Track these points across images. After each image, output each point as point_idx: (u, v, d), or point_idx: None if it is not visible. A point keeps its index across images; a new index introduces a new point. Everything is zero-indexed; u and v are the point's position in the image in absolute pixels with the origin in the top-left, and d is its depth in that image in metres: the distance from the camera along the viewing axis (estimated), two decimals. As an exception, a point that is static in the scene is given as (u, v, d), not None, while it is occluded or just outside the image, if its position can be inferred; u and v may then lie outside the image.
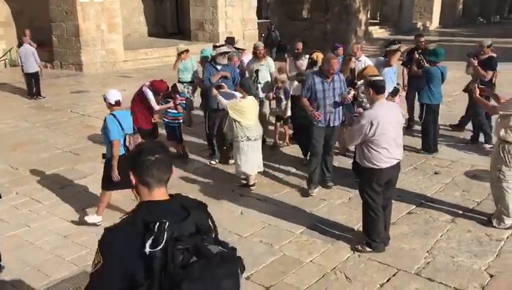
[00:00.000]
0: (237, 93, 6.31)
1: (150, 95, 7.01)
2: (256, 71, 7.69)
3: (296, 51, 8.04)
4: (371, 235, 4.63)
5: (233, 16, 19.01)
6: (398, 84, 7.40)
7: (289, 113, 7.61)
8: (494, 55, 7.94)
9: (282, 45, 17.60)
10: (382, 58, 7.32)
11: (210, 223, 2.00)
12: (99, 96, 12.08)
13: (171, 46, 17.41)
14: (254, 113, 6.18)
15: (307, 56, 7.67)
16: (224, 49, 7.32)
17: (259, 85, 7.68)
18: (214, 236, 1.97)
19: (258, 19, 20.68)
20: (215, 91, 6.44)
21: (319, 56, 7.01)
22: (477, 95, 5.65)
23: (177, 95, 7.23)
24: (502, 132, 4.94)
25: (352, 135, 4.49)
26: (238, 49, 8.80)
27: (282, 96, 7.65)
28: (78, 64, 15.64)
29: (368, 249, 4.62)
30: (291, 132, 7.96)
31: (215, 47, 7.54)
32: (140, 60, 16.97)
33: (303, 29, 22.78)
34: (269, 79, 7.77)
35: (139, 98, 7.13)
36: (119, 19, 16.40)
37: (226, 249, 1.93)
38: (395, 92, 6.21)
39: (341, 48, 8.22)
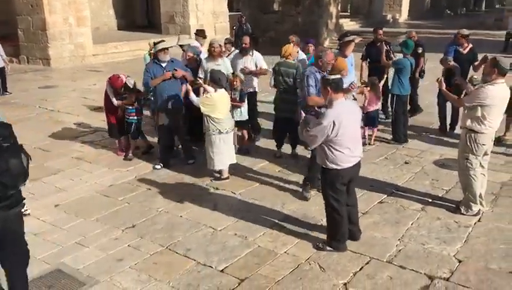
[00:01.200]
0: (209, 88, 6.24)
1: (109, 90, 6.98)
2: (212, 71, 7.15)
3: (243, 45, 7.50)
4: (335, 236, 4.59)
5: (204, 8, 18.87)
6: (375, 78, 7.49)
7: (246, 116, 7.21)
8: (471, 45, 8.13)
9: (254, 38, 17.56)
10: (336, 51, 7.41)
11: (9, 134, 3.51)
12: (68, 91, 11.89)
13: (141, 40, 17.17)
14: (225, 106, 6.16)
15: (255, 52, 7.49)
16: (164, 44, 6.70)
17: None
18: (12, 141, 3.52)
19: (229, 11, 20.58)
20: (188, 87, 6.30)
21: (289, 47, 7.01)
22: (444, 89, 5.75)
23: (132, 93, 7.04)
24: (469, 122, 5.07)
25: (313, 136, 4.33)
26: (181, 46, 8.33)
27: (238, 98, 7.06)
28: (45, 59, 15.27)
29: (328, 248, 4.59)
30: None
31: (155, 44, 6.87)
32: (110, 53, 16.68)
33: (274, 22, 22.80)
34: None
35: (106, 94, 7.11)
36: (87, 12, 16.06)
37: (12, 144, 3.49)
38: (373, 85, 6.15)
39: (311, 44, 8.19)
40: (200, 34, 9.16)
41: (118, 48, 16.94)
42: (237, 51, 7.88)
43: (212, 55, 7.27)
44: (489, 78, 5.00)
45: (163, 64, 6.59)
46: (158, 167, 6.74)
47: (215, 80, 6.10)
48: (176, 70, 6.51)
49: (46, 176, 6.58)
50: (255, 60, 7.46)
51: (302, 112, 4.77)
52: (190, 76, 6.69)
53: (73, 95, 11.52)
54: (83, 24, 15.78)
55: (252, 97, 7.66)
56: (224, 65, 7.23)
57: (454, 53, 7.93)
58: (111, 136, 7.45)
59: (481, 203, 5.28)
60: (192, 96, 6.26)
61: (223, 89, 6.16)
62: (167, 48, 6.65)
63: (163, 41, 6.84)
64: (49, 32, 14.96)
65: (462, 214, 5.26)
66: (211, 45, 7.32)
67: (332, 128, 4.21)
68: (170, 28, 19.09)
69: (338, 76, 4.47)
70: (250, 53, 7.45)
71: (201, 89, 6.74)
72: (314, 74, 5.64)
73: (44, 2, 14.63)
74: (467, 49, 7.94)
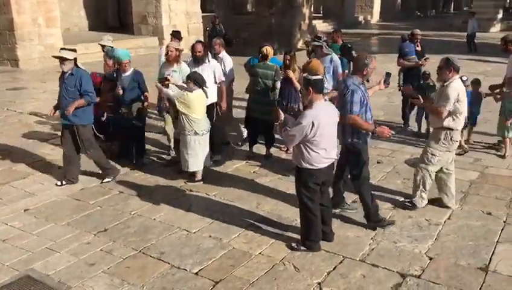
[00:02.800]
0: (178, 83, 6.16)
1: None
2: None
3: (195, 54, 6.70)
4: (309, 235, 4.61)
5: (177, 9, 18.75)
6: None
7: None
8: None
9: (227, 39, 17.54)
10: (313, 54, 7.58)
11: None
12: (38, 93, 11.62)
13: (112, 41, 16.90)
14: (202, 106, 6.10)
15: (212, 60, 6.92)
16: (62, 53, 5.96)
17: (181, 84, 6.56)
18: None
19: (203, 12, 20.49)
20: (158, 84, 6.15)
21: (268, 49, 7.00)
22: (422, 101, 5.71)
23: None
24: (446, 121, 5.19)
25: (292, 136, 4.36)
26: (103, 46, 8.02)
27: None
28: (13, 60, 14.90)
29: (303, 248, 4.63)
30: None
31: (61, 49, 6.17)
32: (81, 55, 16.15)
33: (248, 23, 22.84)
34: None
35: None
36: (57, 12, 15.75)
37: None
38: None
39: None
40: (176, 35, 8.98)
41: (88, 49, 16.61)
42: (183, 64, 7.02)
43: (168, 60, 6.76)
44: (447, 77, 5.18)
45: (65, 76, 6.02)
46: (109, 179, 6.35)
47: (198, 79, 5.99)
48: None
49: (15, 180, 6.42)
50: (213, 68, 6.83)
51: (281, 111, 4.70)
52: (176, 81, 6.24)
53: (43, 97, 11.27)
54: (52, 25, 15.46)
55: (212, 110, 6.85)
56: (180, 71, 6.68)
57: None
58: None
59: (422, 197, 5.50)
60: (167, 91, 6.13)
61: (200, 90, 6.05)
62: (65, 58, 5.91)
63: (65, 49, 6.15)
64: (17, 33, 14.61)
65: (407, 206, 5.46)
66: (166, 47, 6.83)
67: (311, 129, 4.25)
68: (142, 29, 18.91)
69: (320, 77, 4.51)
70: (207, 60, 6.79)
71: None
72: (359, 89, 4.82)
73: (12, 1, 14.28)
74: (420, 47, 8.76)
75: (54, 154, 7.43)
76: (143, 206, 5.62)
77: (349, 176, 5.34)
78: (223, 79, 7.00)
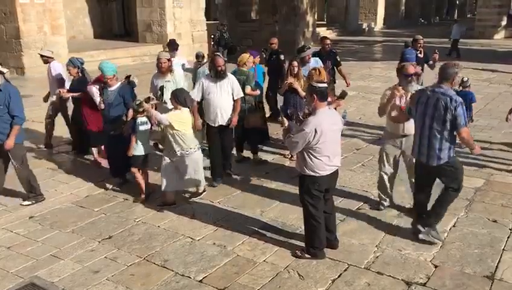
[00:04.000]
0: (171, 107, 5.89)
1: (93, 92, 6.75)
2: (161, 88, 6.48)
3: (218, 68, 6.13)
4: (313, 243, 4.60)
5: (181, 17, 18.86)
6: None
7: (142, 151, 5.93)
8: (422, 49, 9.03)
9: (232, 47, 17.64)
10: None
11: None
12: (43, 101, 11.65)
13: (117, 48, 17.06)
14: (191, 123, 5.78)
15: (229, 74, 6.39)
16: None
17: (165, 105, 6.53)
18: None
19: (207, 20, 20.60)
20: (146, 105, 5.68)
21: (244, 56, 7.11)
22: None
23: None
24: None
25: (295, 142, 4.38)
26: (42, 56, 7.97)
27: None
28: (19, 68, 15.01)
29: (307, 255, 4.61)
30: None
31: None
32: (85, 62, 16.44)
33: (251, 30, 22.95)
34: None
35: (84, 101, 7.00)
36: (62, 20, 15.89)
37: None
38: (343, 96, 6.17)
39: (258, 57, 8.05)
40: (172, 44, 8.68)
41: (94, 56, 16.74)
42: (176, 73, 6.96)
43: (161, 71, 6.67)
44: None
45: None
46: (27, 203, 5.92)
47: (181, 101, 5.57)
48: None
49: (19, 187, 6.43)
50: (231, 83, 6.31)
51: (285, 119, 4.64)
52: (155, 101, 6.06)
53: (48, 104, 11.30)
54: (58, 32, 15.58)
55: (225, 133, 6.49)
56: (174, 81, 6.60)
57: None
58: (92, 145, 7.26)
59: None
60: (156, 113, 5.60)
61: (187, 109, 5.70)
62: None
63: None
64: (23, 41, 14.73)
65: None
66: (158, 59, 6.66)
67: (314, 136, 4.27)
68: (147, 37, 19.01)
69: (325, 85, 4.53)
70: (228, 76, 6.30)
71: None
72: None
73: (18, 10, 14.41)
74: (423, 53, 8.81)
75: (59, 161, 7.47)
76: (147, 214, 5.62)
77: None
78: (242, 95, 6.51)
